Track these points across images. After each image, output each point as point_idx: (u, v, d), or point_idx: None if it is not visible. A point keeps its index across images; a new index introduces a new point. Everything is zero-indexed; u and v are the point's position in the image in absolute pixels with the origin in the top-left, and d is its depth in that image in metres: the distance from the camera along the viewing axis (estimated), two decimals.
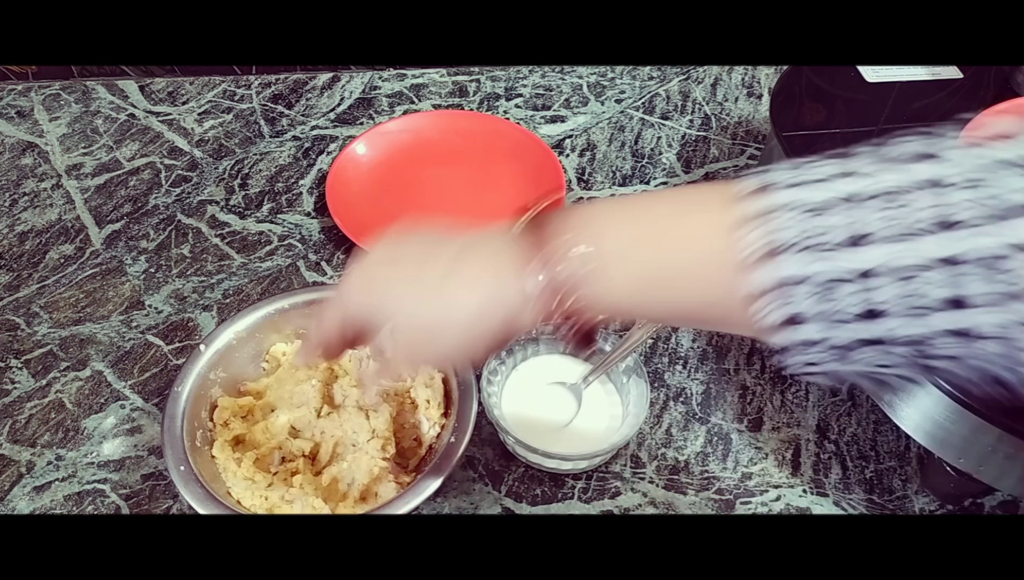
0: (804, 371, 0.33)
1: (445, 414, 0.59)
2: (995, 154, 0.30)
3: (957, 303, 0.29)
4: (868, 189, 0.31)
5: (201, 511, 0.51)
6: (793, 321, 0.32)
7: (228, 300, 0.72)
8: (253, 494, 0.55)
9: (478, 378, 0.60)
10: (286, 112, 0.91)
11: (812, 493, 0.61)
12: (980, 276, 0.28)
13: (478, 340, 0.40)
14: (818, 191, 0.32)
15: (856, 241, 0.30)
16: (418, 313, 0.41)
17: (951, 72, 0.74)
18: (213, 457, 0.57)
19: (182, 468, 0.53)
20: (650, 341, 0.68)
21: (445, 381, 0.60)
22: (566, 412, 0.62)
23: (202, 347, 0.60)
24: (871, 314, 0.30)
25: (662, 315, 0.41)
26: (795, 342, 0.32)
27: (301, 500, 0.54)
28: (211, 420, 0.59)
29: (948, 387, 0.53)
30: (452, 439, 0.55)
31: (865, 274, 0.30)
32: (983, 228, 0.28)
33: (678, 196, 0.40)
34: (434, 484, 0.53)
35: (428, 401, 0.59)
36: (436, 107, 0.93)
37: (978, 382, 0.31)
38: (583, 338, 0.39)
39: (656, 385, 0.67)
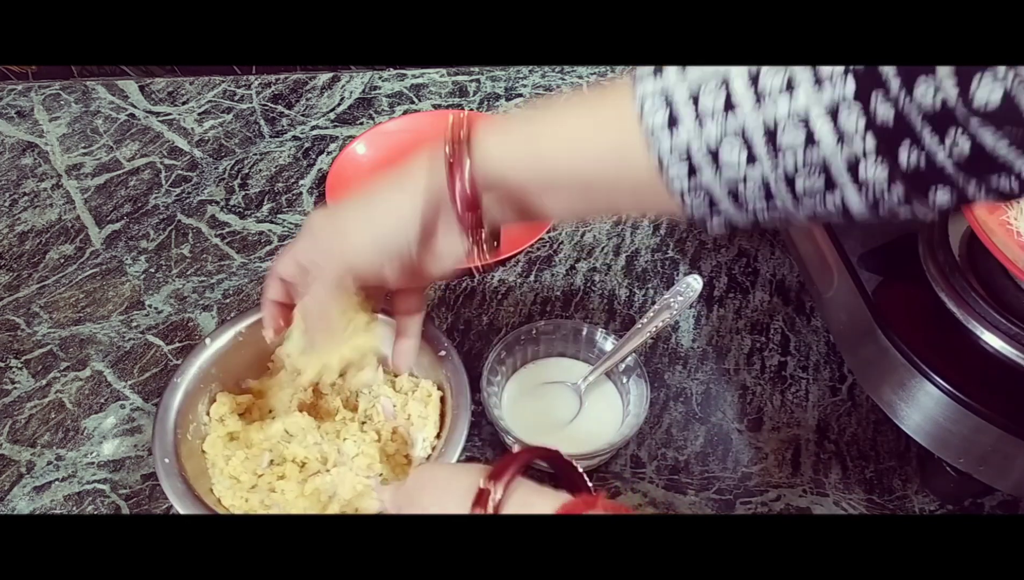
0: (697, 206, 0.41)
1: (438, 435, 0.59)
2: None
3: (791, 87, 0.37)
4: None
5: (177, 505, 0.52)
6: (672, 123, 0.39)
7: (228, 300, 0.72)
8: (235, 494, 0.55)
9: (475, 390, 0.60)
10: (286, 112, 0.91)
11: (812, 493, 0.61)
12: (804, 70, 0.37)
13: (395, 230, 0.46)
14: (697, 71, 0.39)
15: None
16: (334, 219, 0.49)
17: None
18: (203, 452, 0.57)
19: (167, 461, 0.53)
20: (650, 341, 0.68)
21: (443, 400, 0.60)
22: (566, 412, 0.62)
23: (207, 341, 0.59)
24: (729, 104, 0.38)
25: (552, 180, 0.45)
26: (676, 146, 0.39)
27: (280, 507, 0.54)
28: (207, 415, 0.59)
29: (948, 387, 0.53)
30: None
31: (725, 77, 0.38)
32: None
33: (568, 97, 0.46)
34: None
35: (424, 418, 0.59)
36: (436, 107, 0.93)
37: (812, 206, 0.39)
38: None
39: (656, 385, 0.67)
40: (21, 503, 0.59)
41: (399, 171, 0.48)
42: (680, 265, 0.76)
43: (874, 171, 0.37)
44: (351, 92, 0.94)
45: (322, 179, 0.83)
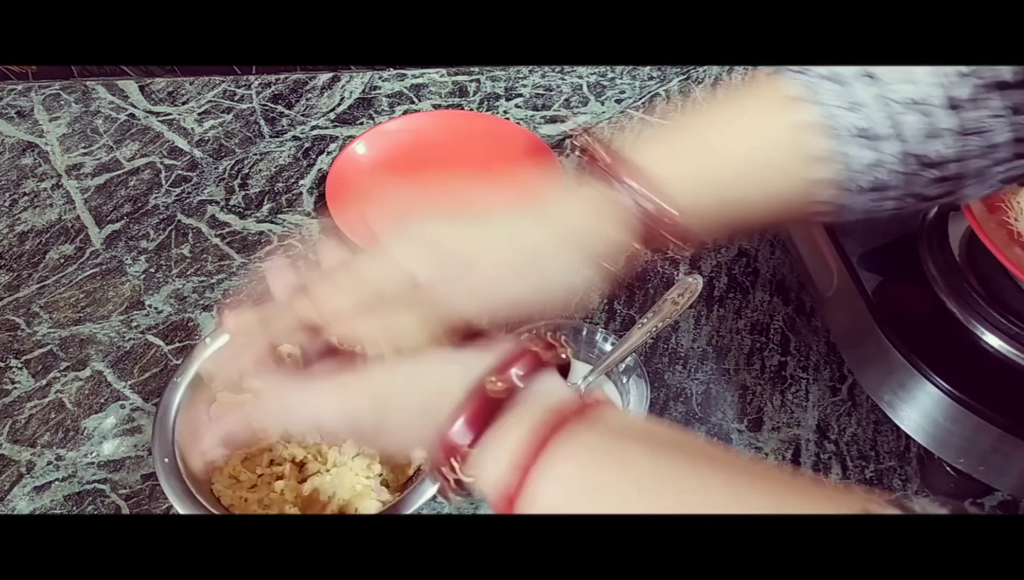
0: (826, 218, 0.42)
1: None
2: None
3: (953, 105, 0.38)
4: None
5: (177, 506, 0.52)
6: (829, 158, 0.39)
7: (228, 300, 0.72)
8: (234, 493, 0.55)
9: None
10: (286, 112, 0.91)
11: None
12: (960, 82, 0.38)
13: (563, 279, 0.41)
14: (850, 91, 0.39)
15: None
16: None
17: None
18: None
19: (166, 460, 0.53)
20: (650, 341, 0.68)
21: None
22: None
23: (207, 341, 0.59)
24: (892, 132, 0.38)
25: (724, 211, 0.42)
26: (831, 177, 0.39)
27: (279, 507, 0.54)
28: (207, 414, 0.59)
29: (948, 387, 0.53)
30: None
31: (883, 94, 0.38)
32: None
33: (720, 108, 0.43)
34: (411, 506, 0.53)
35: None
36: (436, 107, 0.93)
37: None
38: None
39: (656, 385, 0.67)
40: (21, 503, 0.59)
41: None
42: (680, 265, 0.76)
43: (996, 176, 0.40)
44: (351, 92, 0.94)
45: (322, 179, 0.83)
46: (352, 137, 0.85)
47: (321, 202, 0.81)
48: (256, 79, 0.95)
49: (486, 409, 0.35)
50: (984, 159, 0.39)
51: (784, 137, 0.40)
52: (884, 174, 0.40)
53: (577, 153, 0.42)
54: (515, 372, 0.36)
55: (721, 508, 0.31)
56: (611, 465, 0.33)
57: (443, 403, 0.36)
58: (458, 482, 0.36)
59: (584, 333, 0.65)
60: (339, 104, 0.92)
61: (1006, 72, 0.38)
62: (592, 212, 0.40)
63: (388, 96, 0.94)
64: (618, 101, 0.94)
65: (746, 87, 0.42)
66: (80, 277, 0.74)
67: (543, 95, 0.95)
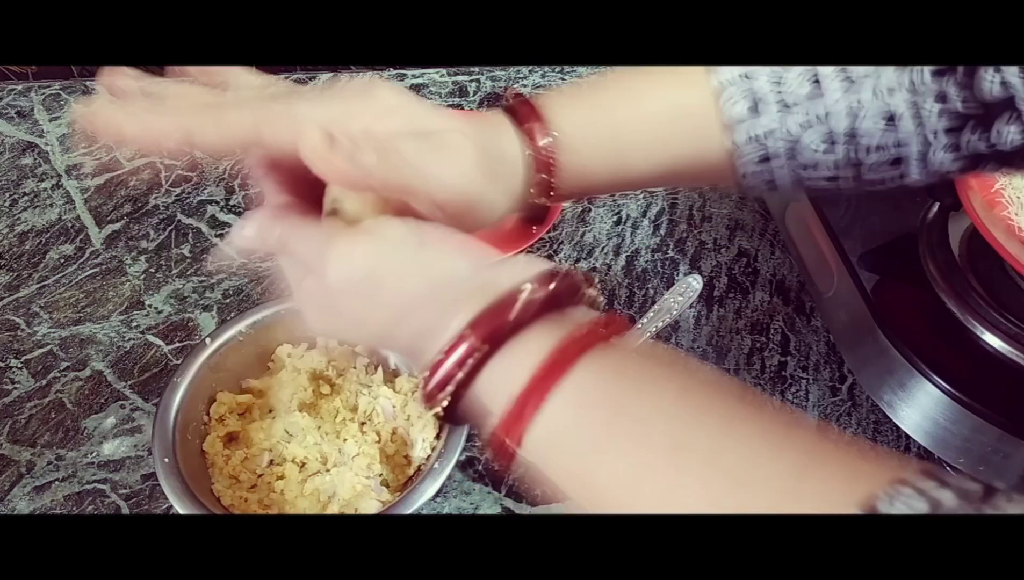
0: (760, 187, 0.42)
1: (438, 436, 0.59)
2: None
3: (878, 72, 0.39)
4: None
5: (177, 506, 0.52)
6: (755, 109, 0.40)
7: (228, 300, 0.72)
8: (234, 493, 0.55)
9: None
10: None
11: None
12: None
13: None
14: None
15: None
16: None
17: None
18: (203, 452, 0.57)
19: (167, 460, 0.53)
20: (650, 341, 0.68)
21: None
22: None
23: (207, 341, 0.59)
24: (816, 90, 0.39)
25: (637, 176, 0.43)
26: (756, 134, 0.40)
27: (280, 507, 0.54)
28: (207, 414, 0.59)
29: (948, 387, 0.53)
30: (436, 465, 0.55)
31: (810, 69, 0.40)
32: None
33: (637, 73, 0.43)
34: (411, 506, 0.52)
35: (423, 419, 0.59)
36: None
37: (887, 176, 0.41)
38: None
39: None
40: (21, 503, 0.59)
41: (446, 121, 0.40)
42: (680, 265, 0.76)
43: (942, 154, 0.40)
44: None
45: None
46: None
47: None
48: None
49: (505, 319, 0.32)
50: (924, 130, 0.39)
51: (705, 97, 0.41)
52: (814, 138, 0.40)
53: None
54: (551, 289, 0.33)
55: (747, 457, 0.28)
56: (639, 391, 0.31)
57: (446, 296, 0.33)
58: (455, 396, 0.33)
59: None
60: None
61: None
62: (496, 133, 0.40)
63: None
64: None
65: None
66: (80, 277, 0.74)
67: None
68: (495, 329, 0.32)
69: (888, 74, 0.39)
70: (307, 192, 0.39)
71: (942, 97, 0.39)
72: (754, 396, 0.31)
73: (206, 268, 0.75)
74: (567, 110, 0.41)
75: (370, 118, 0.37)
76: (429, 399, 0.33)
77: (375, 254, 0.35)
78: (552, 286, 0.33)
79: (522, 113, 0.40)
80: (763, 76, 0.40)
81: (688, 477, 0.29)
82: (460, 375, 0.32)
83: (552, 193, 0.41)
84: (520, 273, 0.33)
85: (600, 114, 0.42)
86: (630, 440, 0.30)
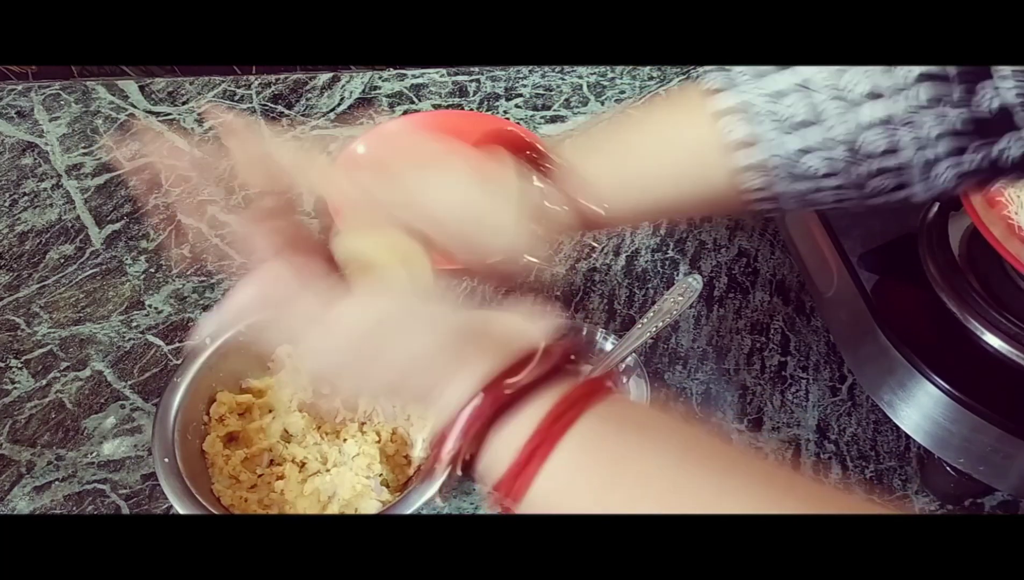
0: (765, 208, 0.43)
1: None
2: None
3: (875, 95, 0.39)
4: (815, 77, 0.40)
5: (177, 506, 0.52)
6: (751, 140, 0.40)
7: None
8: (234, 493, 0.55)
9: None
10: (286, 112, 0.91)
11: None
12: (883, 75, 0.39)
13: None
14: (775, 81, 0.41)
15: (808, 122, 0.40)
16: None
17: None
18: (203, 452, 0.57)
19: (166, 460, 0.53)
20: (650, 341, 0.68)
21: None
22: None
23: (207, 341, 0.59)
24: (813, 116, 0.39)
25: (645, 206, 0.45)
26: (757, 160, 0.40)
27: (279, 507, 0.54)
28: (207, 414, 0.59)
29: (948, 387, 0.53)
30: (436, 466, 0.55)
31: (804, 85, 0.40)
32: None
33: (645, 110, 0.45)
34: (411, 506, 0.52)
35: (423, 419, 0.59)
36: (436, 107, 0.93)
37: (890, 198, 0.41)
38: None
39: (656, 385, 0.67)
40: (21, 503, 0.59)
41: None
42: (680, 265, 0.76)
43: (944, 173, 0.40)
44: (351, 92, 0.94)
45: None
46: (352, 137, 0.85)
47: (321, 202, 0.81)
48: (256, 79, 0.95)
49: (501, 403, 0.33)
50: (925, 152, 0.40)
51: (705, 129, 0.42)
52: (814, 162, 0.40)
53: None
54: (561, 351, 0.34)
55: (717, 508, 0.30)
56: (641, 443, 0.32)
57: (456, 354, 0.34)
58: (466, 463, 0.34)
59: (584, 333, 0.65)
60: (339, 104, 0.92)
61: (932, 67, 0.38)
62: (531, 188, 0.42)
63: (388, 96, 0.94)
64: (618, 101, 0.94)
65: (671, 92, 0.44)
66: (80, 277, 0.74)
67: (543, 95, 0.95)
68: (505, 396, 0.32)
69: (884, 100, 0.39)
70: (305, 249, 0.40)
71: (940, 118, 0.39)
72: (728, 452, 0.33)
73: (206, 268, 0.75)
74: (593, 162, 0.43)
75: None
76: (449, 460, 0.34)
77: (381, 309, 0.36)
78: (561, 348, 0.34)
79: (546, 168, 0.43)
80: (760, 100, 0.40)
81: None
82: (471, 433, 0.33)
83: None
84: (530, 332, 0.34)
85: (612, 160, 0.44)
86: (635, 489, 0.31)
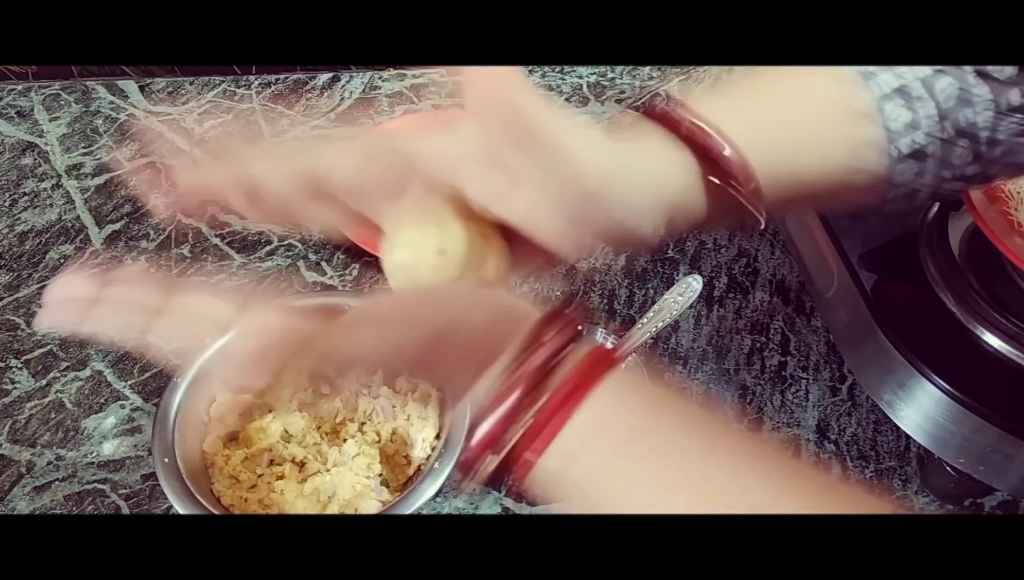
0: (904, 200, 0.41)
1: (437, 436, 0.59)
2: None
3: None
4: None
5: (177, 506, 0.52)
6: (915, 120, 0.39)
7: None
8: (234, 493, 0.55)
9: None
10: (286, 112, 0.91)
11: None
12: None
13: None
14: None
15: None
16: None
17: None
18: (203, 452, 0.57)
19: (166, 460, 0.54)
20: (650, 341, 0.68)
21: (442, 401, 0.60)
22: None
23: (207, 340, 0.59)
24: (964, 99, 0.39)
25: (779, 177, 0.39)
26: (919, 144, 0.39)
27: (279, 507, 0.54)
28: (207, 414, 0.59)
29: (948, 387, 0.53)
30: (436, 465, 0.55)
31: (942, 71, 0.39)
32: None
33: (770, 71, 0.41)
34: (411, 506, 0.53)
35: (423, 419, 0.59)
36: (436, 107, 0.93)
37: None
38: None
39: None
40: (21, 503, 0.59)
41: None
42: (680, 265, 0.76)
43: None
44: (351, 92, 0.94)
45: None
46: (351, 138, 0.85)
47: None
48: (256, 79, 0.95)
49: (533, 383, 0.33)
50: (1021, 139, 0.39)
51: (831, 93, 0.40)
52: (921, 138, 0.39)
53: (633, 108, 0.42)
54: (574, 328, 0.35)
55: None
56: (660, 408, 0.33)
57: (483, 348, 0.34)
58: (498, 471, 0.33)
59: (584, 333, 0.64)
60: (339, 104, 0.92)
61: None
62: (656, 149, 0.38)
63: (388, 96, 0.94)
64: (618, 101, 0.94)
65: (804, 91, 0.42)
66: None
67: (543, 95, 0.94)
68: (535, 373, 0.33)
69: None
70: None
71: None
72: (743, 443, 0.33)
73: (206, 268, 0.75)
74: (726, 110, 0.39)
75: None
76: (490, 448, 0.33)
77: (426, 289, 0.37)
78: (571, 315, 0.35)
79: (674, 120, 0.38)
80: (916, 82, 0.39)
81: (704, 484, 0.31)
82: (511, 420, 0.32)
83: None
84: (526, 308, 0.35)
85: (756, 107, 0.40)
86: (652, 452, 0.32)
